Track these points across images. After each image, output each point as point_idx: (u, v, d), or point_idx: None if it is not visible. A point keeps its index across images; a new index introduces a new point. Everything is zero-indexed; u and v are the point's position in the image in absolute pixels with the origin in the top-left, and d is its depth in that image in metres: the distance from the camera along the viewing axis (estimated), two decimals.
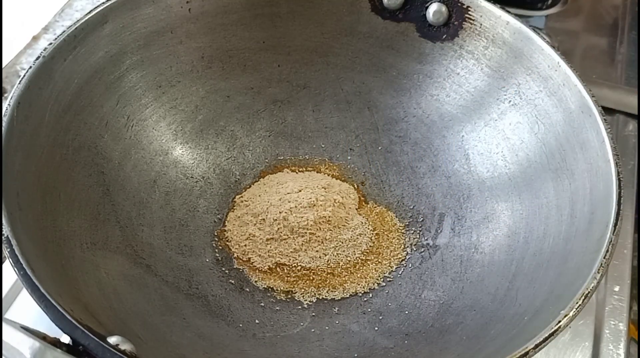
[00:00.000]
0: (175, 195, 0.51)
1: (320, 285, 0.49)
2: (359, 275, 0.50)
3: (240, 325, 0.45)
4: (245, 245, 0.50)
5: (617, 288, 0.51)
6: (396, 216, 0.53)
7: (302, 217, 0.50)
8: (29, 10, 0.71)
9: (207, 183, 0.54)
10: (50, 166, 0.42)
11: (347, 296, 0.48)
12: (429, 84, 0.55)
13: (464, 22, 0.52)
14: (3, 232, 0.35)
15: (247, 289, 0.48)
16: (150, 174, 0.50)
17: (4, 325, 0.31)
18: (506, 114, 0.51)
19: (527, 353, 0.33)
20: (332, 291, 0.49)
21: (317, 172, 0.56)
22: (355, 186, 0.55)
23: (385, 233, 0.52)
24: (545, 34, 0.49)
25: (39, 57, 0.43)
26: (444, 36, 0.53)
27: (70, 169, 0.44)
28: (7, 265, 0.34)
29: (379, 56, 0.56)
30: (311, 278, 0.49)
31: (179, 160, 0.53)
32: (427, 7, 0.53)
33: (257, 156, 0.57)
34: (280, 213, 0.50)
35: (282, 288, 0.48)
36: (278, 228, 0.50)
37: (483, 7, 0.51)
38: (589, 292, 0.36)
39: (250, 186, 0.55)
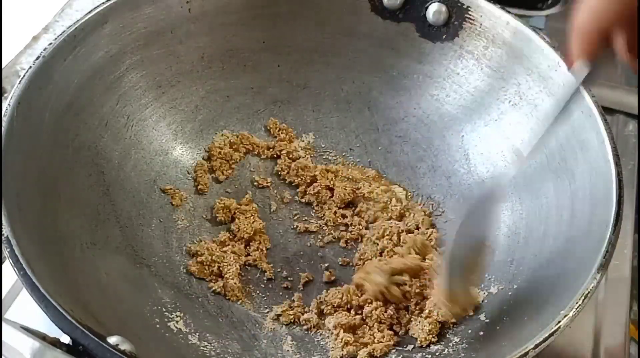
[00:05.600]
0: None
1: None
2: None
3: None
4: None
5: (617, 288, 0.51)
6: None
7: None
8: (29, 10, 0.71)
9: None
10: (50, 166, 0.42)
11: None
12: (429, 84, 0.55)
13: (464, 22, 0.52)
14: (3, 232, 0.35)
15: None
16: (150, 174, 0.50)
17: (4, 325, 0.31)
18: (506, 114, 0.51)
19: (527, 353, 0.33)
20: None
21: None
22: None
23: None
24: (546, 34, 0.49)
25: (39, 57, 0.43)
26: (444, 36, 0.53)
27: (70, 170, 0.44)
28: (7, 265, 0.34)
29: (379, 56, 0.56)
30: None
31: (179, 160, 0.53)
32: (427, 7, 0.53)
33: None
34: None
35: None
36: None
37: (483, 7, 0.51)
38: (589, 292, 0.36)
39: None
